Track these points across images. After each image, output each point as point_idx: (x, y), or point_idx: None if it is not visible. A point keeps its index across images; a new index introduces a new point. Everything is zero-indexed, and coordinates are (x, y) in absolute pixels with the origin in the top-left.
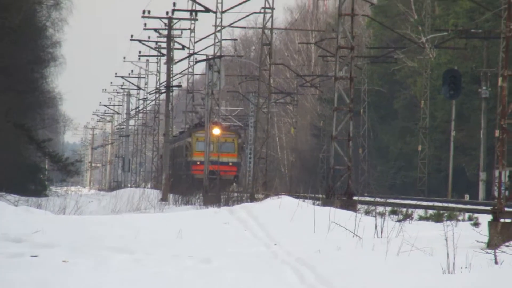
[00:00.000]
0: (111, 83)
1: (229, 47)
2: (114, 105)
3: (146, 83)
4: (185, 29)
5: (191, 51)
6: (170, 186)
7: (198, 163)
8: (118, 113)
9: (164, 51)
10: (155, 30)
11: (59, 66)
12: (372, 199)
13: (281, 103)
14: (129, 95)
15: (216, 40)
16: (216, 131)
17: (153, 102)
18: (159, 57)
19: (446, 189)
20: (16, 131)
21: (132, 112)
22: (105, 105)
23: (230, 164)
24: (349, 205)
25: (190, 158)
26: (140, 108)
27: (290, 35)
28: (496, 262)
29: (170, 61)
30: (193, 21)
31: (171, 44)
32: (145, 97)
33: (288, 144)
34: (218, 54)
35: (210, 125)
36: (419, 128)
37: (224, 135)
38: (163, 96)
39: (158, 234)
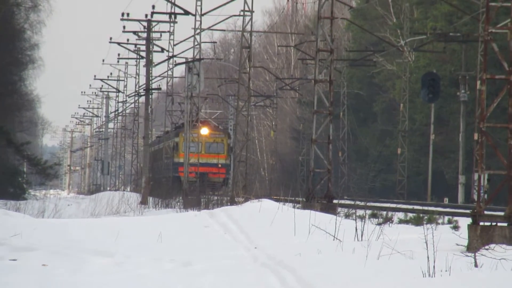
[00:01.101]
0: (90, 85)
1: (208, 50)
2: (93, 108)
3: (125, 86)
4: (164, 31)
5: (171, 54)
6: (150, 189)
7: None
8: (97, 116)
9: (143, 54)
10: (134, 32)
11: (37, 68)
12: (352, 202)
13: (261, 106)
14: (108, 97)
15: (196, 43)
16: (205, 130)
17: (132, 105)
18: (138, 60)
19: (425, 192)
20: None
21: (111, 115)
22: (84, 108)
23: (219, 165)
24: (329, 208)
25: (177, 159)
26: (119, 111)
27: (270, 38)
28: (476, 265)
29: (149, 64)
30: (172, 24)
31: (150, 47)
32: (124, 99)
33: (268, 147)
34: (197, 57)
35: (198, 124)
36: (398, 131)
37: (213, 135)
38: (142, 99)
39: (138, 238)
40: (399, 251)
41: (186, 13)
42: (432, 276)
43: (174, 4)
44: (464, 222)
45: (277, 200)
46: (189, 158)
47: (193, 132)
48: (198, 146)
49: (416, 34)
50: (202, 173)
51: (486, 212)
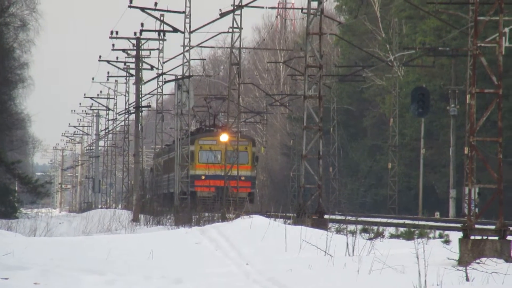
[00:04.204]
0: (80, 104)
1: (198, 67)
2: (83, 126)
3: (115, 104)
4: (154, 49)
5: (160, 71)
6: (142, 206)
7: (203, 177)
8: (87, 134)
9: (133, 72)
10: (123, 50)
11: (27, 87)
12: (343, 217)
13: (251, 122)
14: (98, 116)
15: (185, 60)
16: (224, 137)
17: (123, 123)
18: (127, 78)
19: (416, 206)
20: None
21: (102, 133)
22: (74, 126)
23: (243, 178)
24: (320, 224)
25: (192, 171)
26: (109, 129)
27: (259, 54)
28: (467, 279)
29: (139, 82)
30: (161, 41)
31: (140, 65)
32: (115, 117)
33: (258, 163)
34: (186, 74)
35: (217, 131)
36: (388, 146)
37: (234, 142)
38: (132, 117)
39: (130, 255)
40: (391, 265)
41: (175, 30)
42: None
43: (162, 21)
44: (456, 236)
45: (268, 216)
46: (199, 170)
47: (210, 139)
48: (218, 155)
49: (405, 49)
50: (223, 188)
51: (477, 226)
